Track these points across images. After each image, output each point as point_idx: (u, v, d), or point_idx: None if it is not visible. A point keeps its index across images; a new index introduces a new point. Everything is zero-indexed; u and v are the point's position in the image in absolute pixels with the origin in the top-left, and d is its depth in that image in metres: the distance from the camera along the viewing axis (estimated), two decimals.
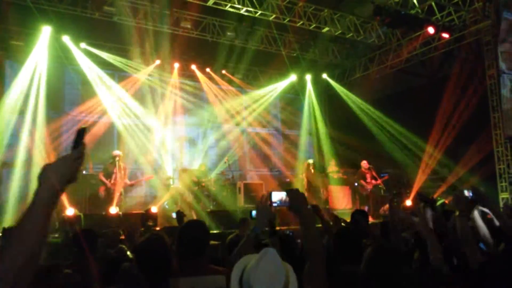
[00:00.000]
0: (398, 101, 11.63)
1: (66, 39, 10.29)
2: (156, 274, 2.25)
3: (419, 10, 9.92)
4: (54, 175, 1.24)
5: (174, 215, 4.32)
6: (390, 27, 10.66)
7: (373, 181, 10.82)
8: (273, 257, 1.49)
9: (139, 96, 11.68)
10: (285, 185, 11.73)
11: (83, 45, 10.63)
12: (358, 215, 4.78)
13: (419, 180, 10.51)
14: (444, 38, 10.44)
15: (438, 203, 7.47)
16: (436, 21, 10.14)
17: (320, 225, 4.67)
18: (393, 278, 1.67)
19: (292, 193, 1.99)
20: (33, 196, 1.20)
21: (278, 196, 2.09)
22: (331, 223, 4.57)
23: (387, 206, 8.45)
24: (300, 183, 11.85)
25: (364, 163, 10.93)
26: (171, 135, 12.22)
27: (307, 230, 1.92)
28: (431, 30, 9.98)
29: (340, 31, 11.18)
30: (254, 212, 4.44)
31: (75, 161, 1.31)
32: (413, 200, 9.42)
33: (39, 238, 1.17)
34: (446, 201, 7.64)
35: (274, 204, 2.05)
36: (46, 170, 1.24)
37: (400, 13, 9.69)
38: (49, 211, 1.21)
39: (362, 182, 10.90)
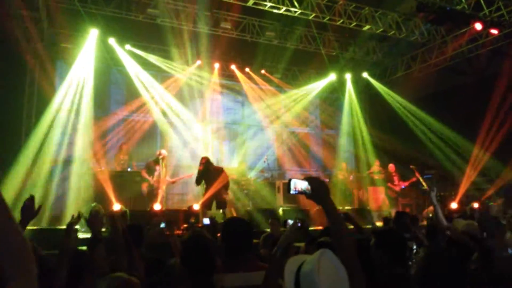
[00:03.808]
0: (442, 100, 11.27)
1: (112, 41, 10.68)
2: (199, 271, 2.28)
3: (466, 6, 9.56)
4: None
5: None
6: (434, 24, 10.35)
7: (401, 183, 11.03)
8: (333, 257, 1.49)
9: (181, 96, 11.96)
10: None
11: (127, 46, 10.99)
12: (403, 217, 4.70)
13: (466, 182, 10.15)
14: (493, 34, 10.01)
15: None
16: (484, 16, 9.73)
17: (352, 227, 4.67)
18: (448, 282, 1.63)
19: (314, 181, 1.85)
20: None
21: (298, 184, 1.93)
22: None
23: (431, 208, 8.23)
24: (339, 182, 11.76)
25: (391, 166, 11.30)
26: (211, 134, 12.43)
27: (333, 222, 1.80)
28: (478, 26, 9.59)
29: (381, 29, 10.94)
30: (289, 221, 4.51)
31: None
32: (459, 203, 9.13)
33: None
34: (495, 204, 7.35)
35: (293, 192, 1.91)
36: None
37: (445, 9, 9.37)
38: None
39: (389, 185, 11.22)
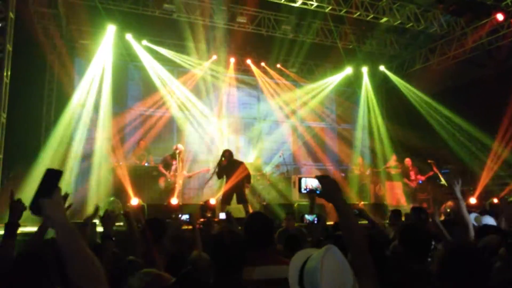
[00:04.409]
0: (461, 94, 11.05)
1: (129, 37, 10.78)
2: (230, 266, 2.30)
3: None
4: None
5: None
6: (454, 15, 10.13)
7: (419, 177, 10.90)
8: (337, 254, 1.48)
9: (197, 91, 12.04)
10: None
11: (144, 42, 11.09)
12: (419, 213, 4.66)
13: (485, 178, 9.97)
14: None
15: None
16: (506, 6, 9.49)
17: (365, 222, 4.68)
18: (471, 280, 1.61)
19: (324, 180, 1.84)
20: None
21: (309, 182, 1.93)
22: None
23: (449, 203, 8.11)
24: (355, 177, 11.69)
25: (407, 161, 11.13)
26: (226, 129, 12.49)
27: (343, 219, 1.78)
28: (500, 16, 9.37)
29: (399, 21, 10.77)
30: (306, 216, 4.54)
31: None
32: (478, 198, 8.98)
33: None
34: None
35: (304, 191, 1.92)
36: None
37: None
38: None
39: (406, 180, 11.09)
